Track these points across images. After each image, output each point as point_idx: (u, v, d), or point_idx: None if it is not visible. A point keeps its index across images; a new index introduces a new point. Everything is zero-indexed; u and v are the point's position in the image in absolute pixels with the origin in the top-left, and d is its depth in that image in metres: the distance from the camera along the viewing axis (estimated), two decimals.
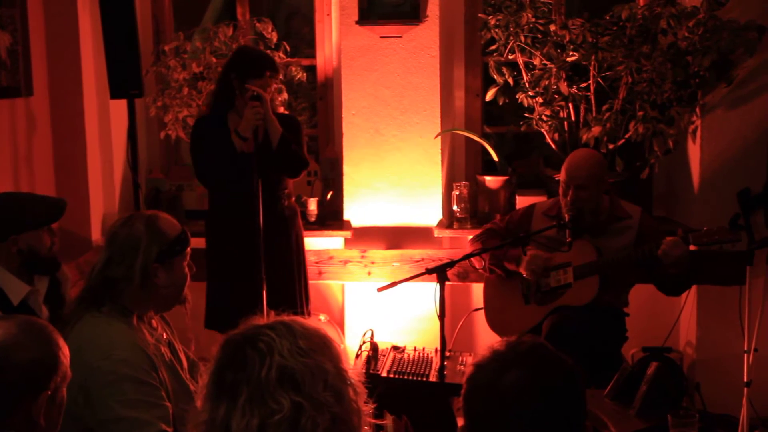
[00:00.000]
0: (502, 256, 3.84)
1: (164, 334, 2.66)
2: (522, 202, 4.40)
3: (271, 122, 3.85)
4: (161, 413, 2.39)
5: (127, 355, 2.40)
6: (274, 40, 4.62)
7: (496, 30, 4.30)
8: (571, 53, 4.17)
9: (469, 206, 4.53)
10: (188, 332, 2.81)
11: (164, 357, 2.54)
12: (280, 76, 4.55)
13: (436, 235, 4.54)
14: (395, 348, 3.94)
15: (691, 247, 3.51)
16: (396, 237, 4.58)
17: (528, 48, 4.27)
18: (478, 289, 4.15)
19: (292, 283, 4.02)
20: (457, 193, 4.51)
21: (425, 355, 3.90)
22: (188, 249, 2.62)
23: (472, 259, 3.97)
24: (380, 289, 3.55)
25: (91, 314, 2.48)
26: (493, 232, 3.96)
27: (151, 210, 2.75)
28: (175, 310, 2.68)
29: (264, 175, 3.83)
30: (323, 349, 1.58)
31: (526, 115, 4.38)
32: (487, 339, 4.19)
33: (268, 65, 3.92)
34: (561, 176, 3.75)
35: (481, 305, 4.02)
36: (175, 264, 2.57)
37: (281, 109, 4.27)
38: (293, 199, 4.12)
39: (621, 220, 3.79)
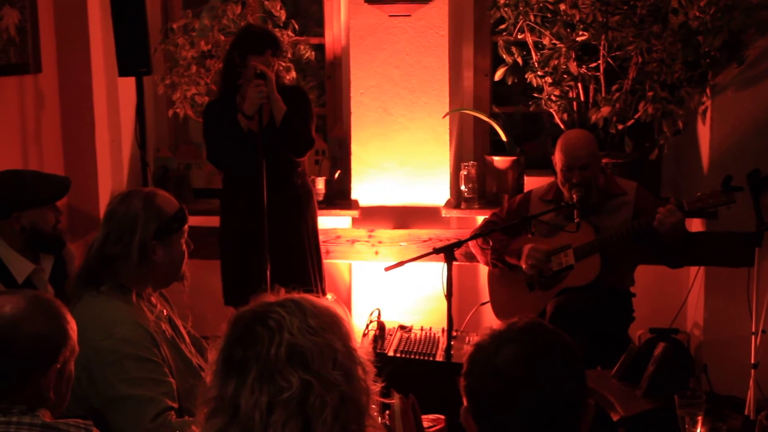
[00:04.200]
0: (503, 250, 3.84)
1: (164, 310, 2.65)
2: (530, 182, 4.40)
3: (275, 101, 3.82)
4: (166, 389, 2.39)
5: (129, 333, 2.40)
6: (283, 18, 4.60)
7: (506, 9, 4.27)
8: (580, 33, 4.13)
9: (477, 186, 4.52)
10: (185, 309, 2.81)
11: (165, 334, 2.54)
12: (288, 55, 4.54)
13: (443, 215, 4.53)
14: (402, 327, 3.96)
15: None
16: (403, 217, 4.58)
17: (537, 27, 4.24)
18: (485, 270, 4.15)
19: (305, 261, 4.02)
20: (465, 173, 4.50)
21: (432, 334, 3.91)
22: (186, 226, 2.61)
23: (476, 253, 3.98)
24: (387, 269, 3.54)
25: (90, 294, 2.48)
26: (494, 224, 3.96)
27: (148, 187, 2.73)
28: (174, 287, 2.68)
29: (274, 154, 3.83)
30: (333, 327, 1.57)
31: (534, 95, 4.36)
32: (494, 322, 4.19)
33: (269, 43, 3.88)
34: (559, 161, 3.73)
35: (488, 294, 4.03)
36: (173, 241, 2.57)
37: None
38: (307, 177, 4.11)
39: (617, 197, 3.79)
